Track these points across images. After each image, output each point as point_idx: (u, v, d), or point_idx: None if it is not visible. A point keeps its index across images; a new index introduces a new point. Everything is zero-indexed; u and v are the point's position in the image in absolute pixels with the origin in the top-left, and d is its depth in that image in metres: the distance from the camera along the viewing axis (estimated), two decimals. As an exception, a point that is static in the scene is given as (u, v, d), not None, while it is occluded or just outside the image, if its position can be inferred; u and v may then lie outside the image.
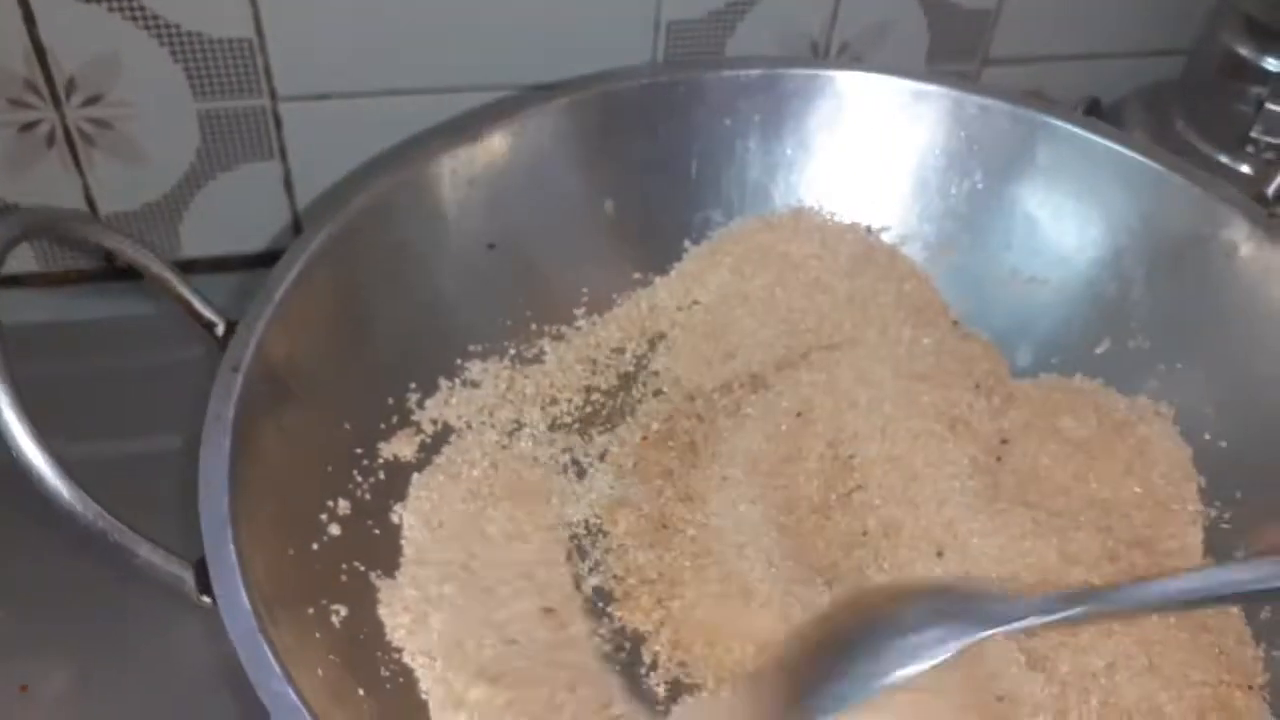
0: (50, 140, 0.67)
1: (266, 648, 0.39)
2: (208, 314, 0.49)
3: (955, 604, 0.48)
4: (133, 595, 0.51)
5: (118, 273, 0.73)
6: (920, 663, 0.45)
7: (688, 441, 0.57)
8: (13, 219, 0.43)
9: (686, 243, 0.65)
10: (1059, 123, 0.61)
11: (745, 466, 0.54)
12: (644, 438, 0.58)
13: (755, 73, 0.62)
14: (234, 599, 0.40)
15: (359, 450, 0.53)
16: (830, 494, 0.55)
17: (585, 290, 0.63)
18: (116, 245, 0.47)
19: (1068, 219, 0.61)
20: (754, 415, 0.57)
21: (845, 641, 0.48)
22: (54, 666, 0.55)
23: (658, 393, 0.60)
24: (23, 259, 0.72)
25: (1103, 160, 0.60)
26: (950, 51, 0.76)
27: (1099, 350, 0.60)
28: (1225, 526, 0.54)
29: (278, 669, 0.38)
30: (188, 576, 0.42)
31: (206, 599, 0.41)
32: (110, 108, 0.66)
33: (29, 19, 0.62)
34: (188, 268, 0.72)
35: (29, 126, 0.66)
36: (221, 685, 0.52)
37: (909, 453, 0.55)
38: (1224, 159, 0.69)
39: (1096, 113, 0.72)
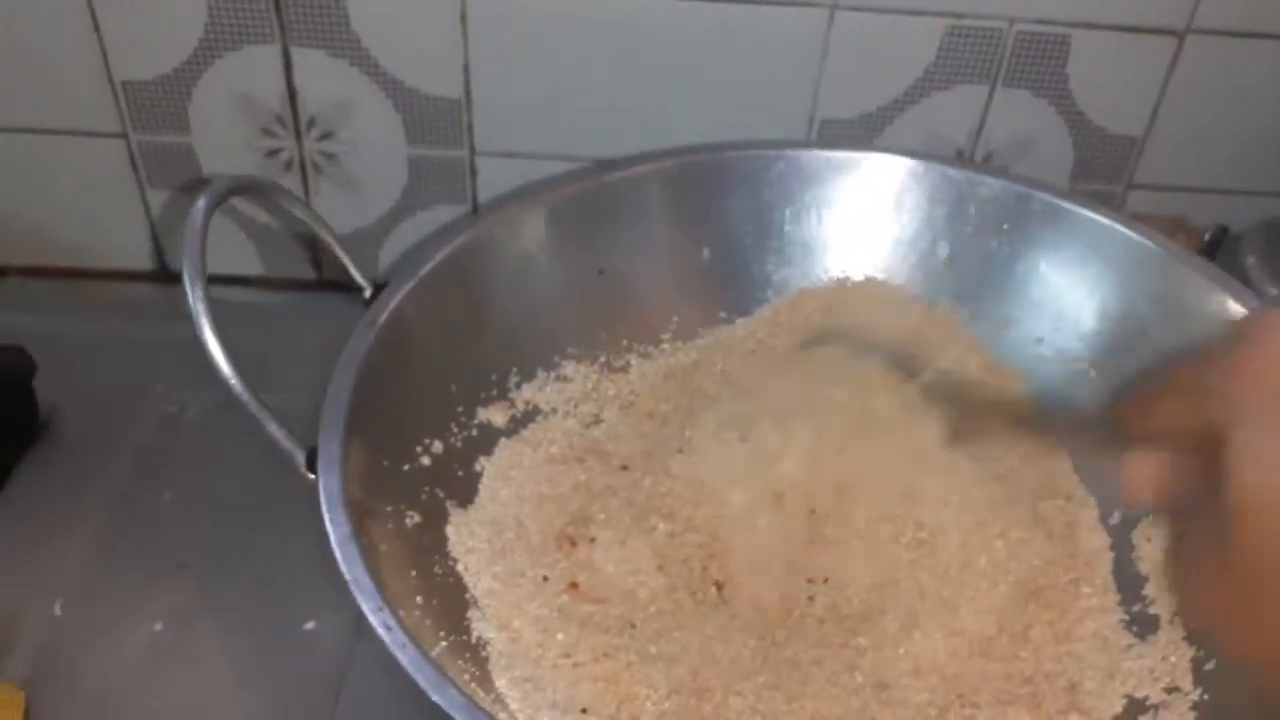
0: (288, 166, 0.77)
1: (345, 515, 0.49)
2: (359, 279, 0.61)
3: None
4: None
5: (324, 285, 0.85)
6: None
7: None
8: (233, 177, 0.57)
9: (769, 293, 0.73)
10: (1098, 218, 0.67)
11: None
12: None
13: (841, 154, 0.71)
14: (331, 478, 0.50)
15: (460, 409, 0.63)
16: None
17: (675, 319, 0.71)
18: (301, 210, 0.60)
19: (1108, 306, 0.66)
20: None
21: None
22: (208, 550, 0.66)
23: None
24: (249, 263, 0.85)
25: (1142, 256, 0.65)
26: (1095, 173, 0.78)
27: None
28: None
29: (350, 528, 0.49)
30: (301, 455, 0.53)
31: (311, 474, 0.51)
32: (339, 144, 0.76)
33: (288, 66, 0.72)
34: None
35: (274, 153, 0.77)
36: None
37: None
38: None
39: (1222, 239, 0.76)
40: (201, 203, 0.54)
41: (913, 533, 0.58)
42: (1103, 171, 0.79)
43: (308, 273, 0.85)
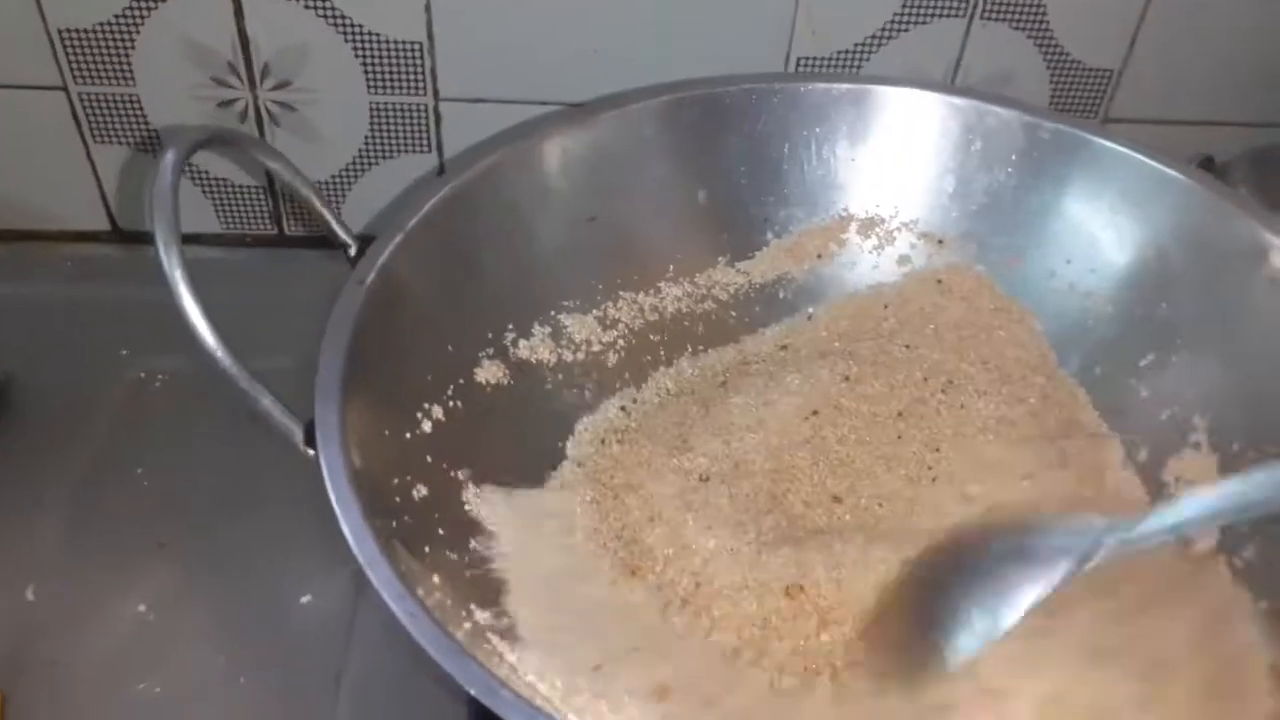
0: (242, 117, 0.74)
1: (353, 494, 0.46)
2: (343, 235, 0.58)
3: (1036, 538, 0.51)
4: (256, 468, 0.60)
5: (285, 241, 0.82)
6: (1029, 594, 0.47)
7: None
8: (200, 128, 0.53)
9: (769, 235, 0.71)
10: (1121, 149, 0.65)
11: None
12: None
13: (844, 86, 0.68)
14: (333, 453, 0.47)
15: (457, 370, 0.60)
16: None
17: (671, 267, 0.69)
18: (276, 164, 0.56)
19: (1125, 240, 0.65)
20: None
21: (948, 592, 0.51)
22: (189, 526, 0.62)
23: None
24: (207, 220, 0.81)
25: (1164, 187, 0.64)
26: (1072, 106, 0.78)
27: (1143, 363, 0.64)
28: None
29: (359, 509, 0.45)
30: (298, 430, 0.49)
31: (310, 450, 0.48)
32: (295, 93, 0.73)
33: (238, 12, 0.69)
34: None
35: (226, 104, 0.74)
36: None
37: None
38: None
39: (1209, 168, 0.74)
40: (170, 156, 0.50)
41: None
42: (1080, 105, 0.79)
43: (267, 229, 0.81)
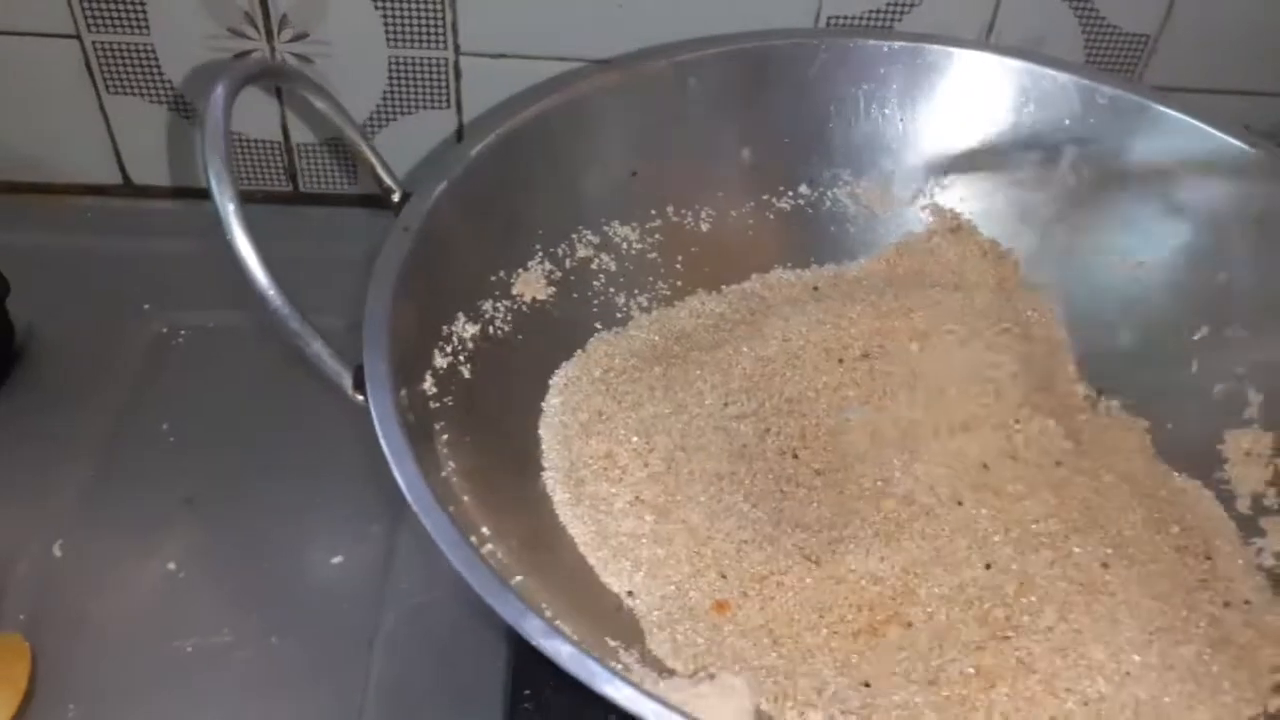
0: None
1: (403, 435, 0.44)
2: (388, 180, 0.56)
3: None
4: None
5: (300, 198, 0.80)
6: None
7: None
8: (252, 61, 0.51)
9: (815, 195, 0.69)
10: (1180, 116, 0.63)
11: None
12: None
13: (897, 44, 0.66)
14: (382, 397, 0.46)
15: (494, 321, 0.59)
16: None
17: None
18: (325, 104, 0.54)
19: (1180, 207, 0.64)
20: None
21: None
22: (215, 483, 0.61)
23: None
24: None
25: (1218, 152, 0.62)
26: (1105, 70, 0.76)
27: (1196, 336, 0.62)
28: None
29: (410, 451, 0.44)
30: (347, 375, 0.48)
31: (360, 397, 0.47)
32: (313, 45, 0.71)
33: None
34: (358, 202, 0.79)
35: (243, 55, 0.71)
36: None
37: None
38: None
39: None
40: (220, 90, 0.48)
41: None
42: (1114, 70, 0.77)
43: (282, 185, 0.80)
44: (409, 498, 0.43)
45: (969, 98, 0.67)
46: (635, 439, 0.57)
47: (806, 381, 0.61)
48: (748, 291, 0.67)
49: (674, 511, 0.54)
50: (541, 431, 0.57)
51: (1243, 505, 0.58)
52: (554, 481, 0.55)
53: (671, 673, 0.47)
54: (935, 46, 0.66)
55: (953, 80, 0.67)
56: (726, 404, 0.59)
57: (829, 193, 0.69)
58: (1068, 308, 0.66)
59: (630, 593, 0.51)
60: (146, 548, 0.57)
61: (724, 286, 0.67)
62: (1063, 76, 0.65)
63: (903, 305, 0.63)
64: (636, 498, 0.55)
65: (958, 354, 0.61)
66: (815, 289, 0.67)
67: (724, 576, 0.52)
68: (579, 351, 0.61)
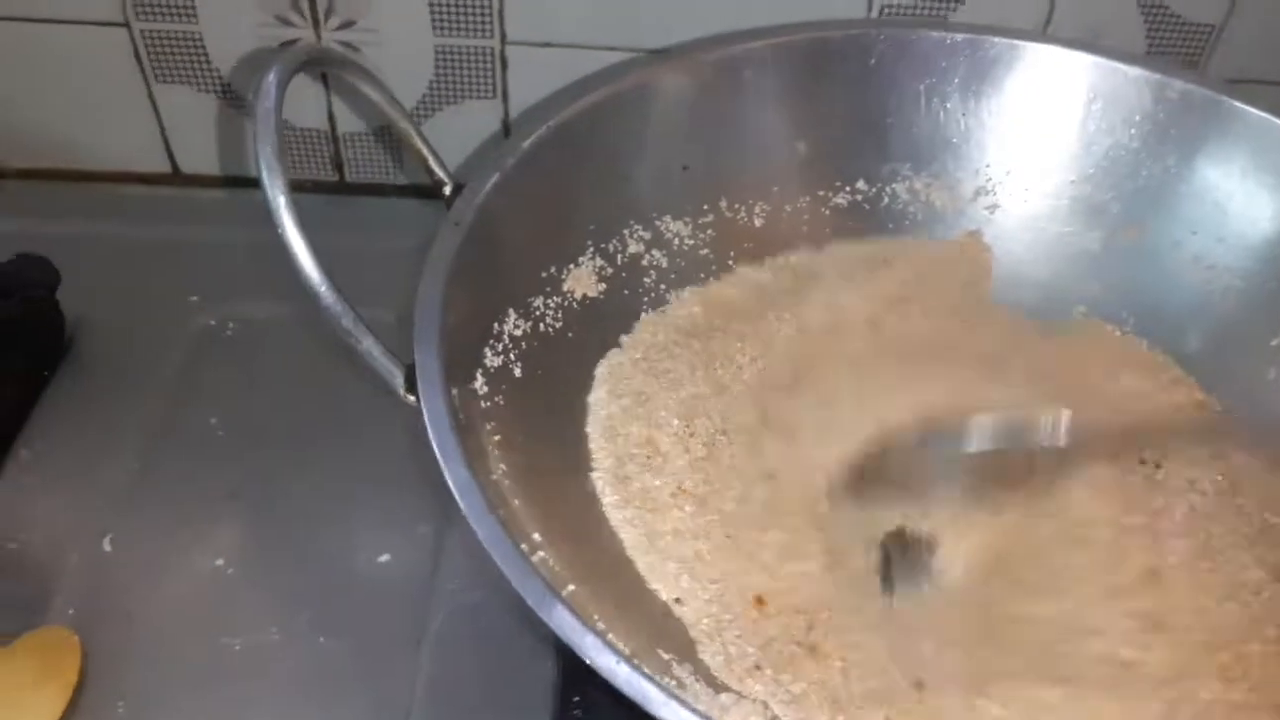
0: None
1: (455, 438, 0.44)
2: (439, 173, 0.55)
3: None
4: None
5: (345, 188, 0.80)
6: None
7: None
8: (304, 48, 0.50)
9: (871, 191, 0.68)
10: (1256, 113, 0.61)
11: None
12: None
13: (960, 37, 0.64)
14: (434, 398, 0.45)
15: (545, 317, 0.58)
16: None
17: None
18: (378, 94, 0.54)
19: (1257, 210, 0.62)
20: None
21: None
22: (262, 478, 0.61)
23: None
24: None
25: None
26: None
27: (1275, 342, 0.61)
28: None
29: (463, 457, 0.43)
30: (399, 374, 0.47)
31: (412, 397, 0.46)
32: (359, 33, 0.71)
33: None
34: (406, 192, 0.79)
35: (289, 43, 0.71)
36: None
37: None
38: None
39: None
40: (272, 76, 0.47)
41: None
42: (1176, 61, 0.74)
43: (329, 174, 0.79)
44: (462, 504, 0.42)
45: (1034, 92, 0.65)
46: (676, 421, 0.56)
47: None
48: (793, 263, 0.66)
49: (711, 501, 0.54)
50: (589, 429, 0.56)
51: None
52: (603, 482, 0.54)
53: (725, 687, 0.46)
54: (999, 39, 0.64)
55: (1017, 74, 0.65)
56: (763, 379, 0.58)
57: (887, 188, 0.68)
58: (1135, 308, 0.65)
59: (678, 599, 0.50)
60: (194, 543, 0.57)
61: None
62: (1133, 70, 0.63)
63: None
64: (679, 487, 0.54)
65: None
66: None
67: (762, 569, 0.52)
68: (623, 336, 0.61)
